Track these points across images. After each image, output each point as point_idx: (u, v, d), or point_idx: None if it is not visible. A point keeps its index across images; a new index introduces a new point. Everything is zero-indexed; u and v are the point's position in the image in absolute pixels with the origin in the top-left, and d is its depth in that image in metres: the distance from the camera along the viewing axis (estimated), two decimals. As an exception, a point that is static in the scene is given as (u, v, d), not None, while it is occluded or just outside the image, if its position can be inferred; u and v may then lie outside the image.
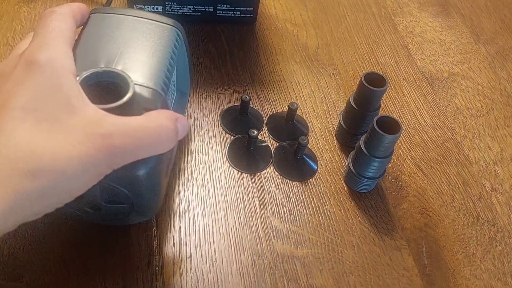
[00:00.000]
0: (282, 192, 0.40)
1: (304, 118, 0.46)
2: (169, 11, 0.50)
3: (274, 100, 0.47)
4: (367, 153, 0.38)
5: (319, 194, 0.41)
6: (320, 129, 0.46)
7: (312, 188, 0.41)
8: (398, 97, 0.50)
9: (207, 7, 0.51)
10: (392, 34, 0.57)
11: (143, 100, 0.28)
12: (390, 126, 0.37)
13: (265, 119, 0.45)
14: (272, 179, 0.41)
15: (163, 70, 0.31)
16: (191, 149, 0.42)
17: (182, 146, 0.42)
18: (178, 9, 0.50)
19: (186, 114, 0.44)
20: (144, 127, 0.25)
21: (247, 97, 0.43)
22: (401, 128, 0.36)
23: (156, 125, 0.26)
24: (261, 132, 0.44)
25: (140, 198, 0.31)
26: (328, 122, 0.46)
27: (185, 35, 0.35)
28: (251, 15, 0.53)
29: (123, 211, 0.32)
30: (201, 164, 0.41)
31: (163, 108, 0.29)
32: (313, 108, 0.47)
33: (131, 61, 0.29)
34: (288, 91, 0.48)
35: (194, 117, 0.45)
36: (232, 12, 0.52)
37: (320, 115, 0.47)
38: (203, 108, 0.46)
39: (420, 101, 0.50)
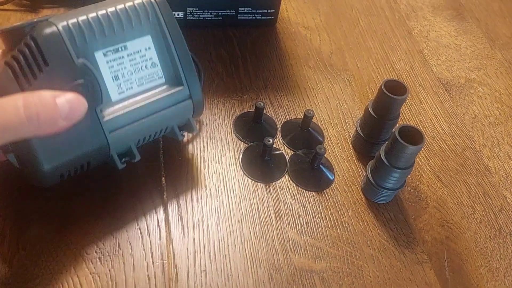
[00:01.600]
0: (298, 202, 0.39)
1: (319, 125, 0.45)
2: (190, 17, 0.49)
3: (288, 106, 0.46)
4: (387, 164, 0.37)
5: (336, 205, 0.39)
6: (335, 137, 0.44)
7: (329, 199, 0.40)
8: (414, 103, 0.49)
9: (228, 11, 0.50)
10: (407, 39, 0.55)
11: (37, 33, 0.29)
12: (412, 136, 0.35)
13: (279, 126, 0.44)
14: (287, 189, 0.40)
15: (89, 18, 0.31)
16: (203, 157, 0.41)
17: (194, 153, 0.41)
18: (199, 14, 0.49)
19: (199, 119, 0.43)
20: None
21: (262, 103, 0.42)
22: (424, 139, 0.35)
23: (14, 103, 0.25)
24: (275, 140, 0.43)
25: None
26: (344, 130, 0.45)
27: (167, 9, 0.34)
28: (272, 17, 0.52)
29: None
30: (214, 172, 0.40)
31: (58, 46, 0.30)
32: (328, 115, 0.46)
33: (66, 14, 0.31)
34: (302, 97, 0.47)
35: (207, 124, 0.43)
36: (253, 15, 0.51)
37: (336, 123, 0.45)
38: (215, 115, 0.44)
39: (437, 108, 0.49)
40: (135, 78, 0.34)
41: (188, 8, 0.48)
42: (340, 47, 0.53)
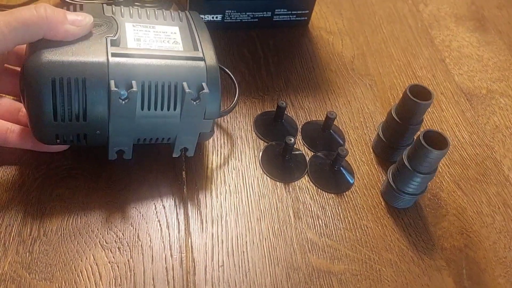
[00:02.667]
0: (317, 203, 0.39)
1: (340, 128, 0.45)
2: (228, 19, 0.50)
3: (309, 108, 0.46)
4: (410, 168, 0.36)
5: (355, 208, 0.39)
6: (356, 140, 0.44)
7: (349, 202, 0.39)
8: (436, 111, 0.48)
9: (265, 12, 0.51)
10: (429, 47, 0.55)
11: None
12: (436, 141, 0.35)
13: (299, 127, 0.44)
14: (307, 189, 0.40)
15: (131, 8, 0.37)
16: (224, 153, 0.41)
17: (214, 149, 0.41)
18: (237, 17, 0.50)
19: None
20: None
21: (284, 103, 0.42)
22: (449, 144, 0.35)
23: (28, 7, 0.31)
24: (296, 140, 0.43)
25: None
26: (365, 134, 0.45)
27: (197, 16, 0.39)
28: (306, 18, 0.53)
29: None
30: (234, 169, 0.40)
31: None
32: (349, 118, 0.46)
33: None
34: (323, 99, 0.47)
35: (227, 121, 0.44)
36: (288, 16, 0.52)
37: (357, 126, 0.45)
38: (236, 112, 0.44)
39: (459, 117, 0.48)
40: (155, 45, 0.35)
41: (227, 11, 0.49)
42: (363, 52, 0.53)
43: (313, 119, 0.45)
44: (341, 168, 0.40)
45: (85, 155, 0.38)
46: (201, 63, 0.34)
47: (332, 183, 0.40)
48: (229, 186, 0.39)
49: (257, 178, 0.40)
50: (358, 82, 0.49)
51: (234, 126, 0.43)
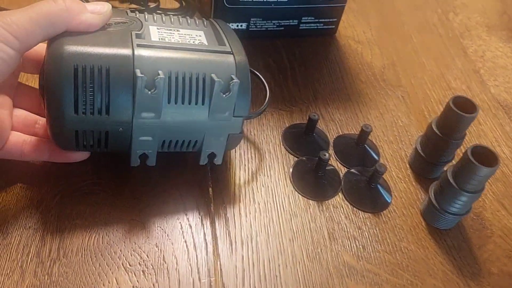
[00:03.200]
0: (353, 224, 0.36)
1: (374, 142, 0.42)
2: (253, 27, 0.48)
3: (340, 120, 0.44)
4: (455, 186, 0.34)
5: (394, 228, 0.36)
6: (391, 155, 0.41)
7: (387, 222, 0.37)
8: (473, 125, 0.46)
9: (291, 20, 0.49)
10: (462, 58, 0.53)
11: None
12: (484, 157, 0.32)
13: (331, 141, 0.41)
14: (341, 208, 0.37)
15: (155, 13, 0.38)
16: (251, 168, 0.39)
17: (242, 164, 0.39)
18: (262, 25, 0.48)
19: (245, 129, 0.41)
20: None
21: (316, 115, 0.39)
22: (499, 161, 0.32)
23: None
24: (327, 155, 0.40)
25: None
26: (400, 148, 0.42)
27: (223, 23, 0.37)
28: (333, 27, 0.51)
29: None
30: (263, 186, 0.38)
31: None
32: (382, 131, 0.43)
33: None
34: (354, 111, 0.45)
35: (254, 134, 0.41)
36: (315, 25, 0.50)
37: (391, 140, 0.43)
38: (263, 125, 0.42)
39: (498, 131, 0.46)
40: (181, 42, 0.33)
41: (252, 19, 0.47)
42: (393, 62, 0.51)
43: (345, 132, 0.42)
44: (378, 186, 0.38)
45: (107, 169, 0.36)
46: (230, 57, 0.33)
47: (369, 202, 0.37)
48: (259, 204, 0.36)
49: (288, 195, 0.37)
50: (390, 93, 0.47)
51: (262, 140, 0.41)
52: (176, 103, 0.31)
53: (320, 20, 0.50)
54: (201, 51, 0.32)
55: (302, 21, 0.49)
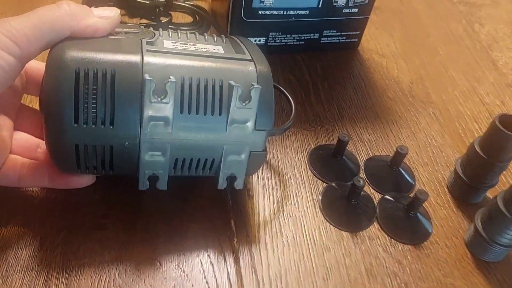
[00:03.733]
0: (392, 258, 0.32)
1: (408, 164, 0.39)
2: (272, 42, 0.45)
3: (369, 140, 0.40)
4: (507, 214, 0.30)
5: (438, 262, 0.33)
6: (427, 178, 0.38)
7: (429, 254, 0.33)
8: (513, 143, 0.42)
9: (312, 34, 0.46)
10: (493, 71, 0.50)
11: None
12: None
13: (361, 164, 0.38)
14: (378, 239, 0.33)
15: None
16: (276, 196, 0.35)
17: (265, 191, 0.35)
18: (281, 39, 0.45)
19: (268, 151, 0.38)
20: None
21: (346, 136, 0.36)
22: (559, 187, 0.28)
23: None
24: (357, 179, 0.37)
25: None
26: (437, 171, 0.39)
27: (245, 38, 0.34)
28: (356, 40, 0.48)
29: None
30: (290, 216, 0.34)
31: None
32: (416, 152, 0.40)
33: None
34: (384, 131, 0.41)
35: (278, 157, 0.38)
36: (337, 38, 0.47)
37: (426, 162, 0.39)
38: (286, 147, 0.39)
39: (540, 149, 0.42)
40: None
41: (271, 33, 0.44)
42: (421, 76, 0.47)
43: (376, 153, 0.39)
44: (418, 214, 0.34)
45: (116, 199, 0.33)
46: (250, 64, 0.29)
47: (408, 232, 0.34)
48: (287, 237, 0.33)
49: (318, 226, 0.34)
50: (420, 110, 0.44)
51: (286, 163, 0.37)
52: (189, 113, 0.27)
53: (343, 33, 0.47)
54: (217, 58, 0.29)
55: (324, 34, 0.46)
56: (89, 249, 0.30)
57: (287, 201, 0.35)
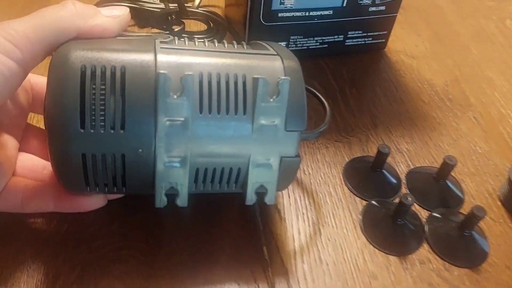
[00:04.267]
0: (449, 284, 0.29)
1: (453, 175, 0.35)
2: (293, 46, 0.42)
3: (408, 150, 0.36)
4: None
5: (500, 287, 0.29)
6: (477, 190, 0.34)
7: (489, 278, 0.29)
8: None
9: (336, 36, 0.42)
10: (532, 69, 0.46)
11: None
12: None
13: (402, 177, 0.34)
14: (430, 263, 0.30)
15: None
16: (311, 217, 0.31)
17: (298, 211, 0.32)
18: (303, 43, 0.42)
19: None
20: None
21: (387, 148, 0.32)
22: None
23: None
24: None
25: None
26: (485, 181, 0.35)
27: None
28: (383, 40, 0.44)
29: None
30: (329, 240, 0.30)
31: None
32: (460, 162, 0.36)
33: None
34: (423, 139, 0.37)
35: (309, 173, 0.34)
36: (363, 39, 0.43)
37: (472, 172, 0.35)
38: (318, 161, 0.35)
39: None
40: None
41: (291, 37, 0.41)
42: (455, 78, 0.44)
43: (416, 164, 0.35)
44: (473, 232, 0.30)
45: (135, 227, 0.29)
46: (277, 59, 0.26)
47: (463, 253, 0.30)
48: (327, 264, 0.29)
49: (362, 251, 0.30)
50: (460, 115, 0.40)
51: (319, 180, 0.34)
52: (209, 113, 0.24)
53: (369, 34, 0.43)
54: (239, 53, 0.26)
55: (349, 36, 0.43)
56: (107, 287, 0.27)
57: (323, 223, 0.31)
